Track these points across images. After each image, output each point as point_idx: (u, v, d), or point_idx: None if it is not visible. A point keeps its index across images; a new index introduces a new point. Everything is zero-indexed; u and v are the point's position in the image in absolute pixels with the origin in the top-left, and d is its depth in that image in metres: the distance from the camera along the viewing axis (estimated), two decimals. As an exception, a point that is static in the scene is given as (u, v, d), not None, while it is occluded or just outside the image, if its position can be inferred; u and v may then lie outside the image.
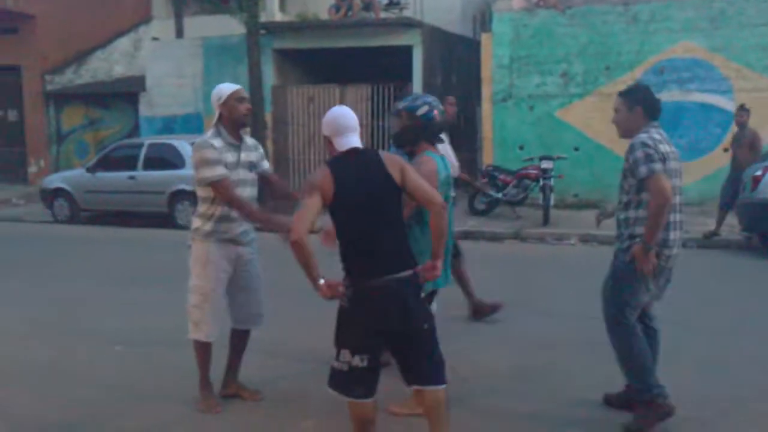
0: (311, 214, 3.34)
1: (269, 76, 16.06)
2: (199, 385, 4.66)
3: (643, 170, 4.03)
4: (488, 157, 14.35)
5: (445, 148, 6.02)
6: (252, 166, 4.54)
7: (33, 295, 7.86)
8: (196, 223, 4.53)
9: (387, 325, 3.39)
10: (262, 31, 15.63)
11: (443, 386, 3.52)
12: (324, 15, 16.68)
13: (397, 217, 3.50)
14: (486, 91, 14.41)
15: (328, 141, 3.57)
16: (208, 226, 4.45)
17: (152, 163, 13.38)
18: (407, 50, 15.28)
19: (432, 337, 3.52)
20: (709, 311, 6.72)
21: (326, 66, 17.07)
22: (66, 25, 19.01)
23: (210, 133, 4.43)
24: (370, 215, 3.41)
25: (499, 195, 12.58)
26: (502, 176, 12.69)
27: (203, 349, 4.58)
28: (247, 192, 4.48)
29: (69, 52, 19.32)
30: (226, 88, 4.45)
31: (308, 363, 5.30)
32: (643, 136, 4.15)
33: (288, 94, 16.24)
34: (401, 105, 4.46)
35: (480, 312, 6.46)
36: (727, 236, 10.44)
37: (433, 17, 16.79)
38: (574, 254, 10.07)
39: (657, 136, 4.15)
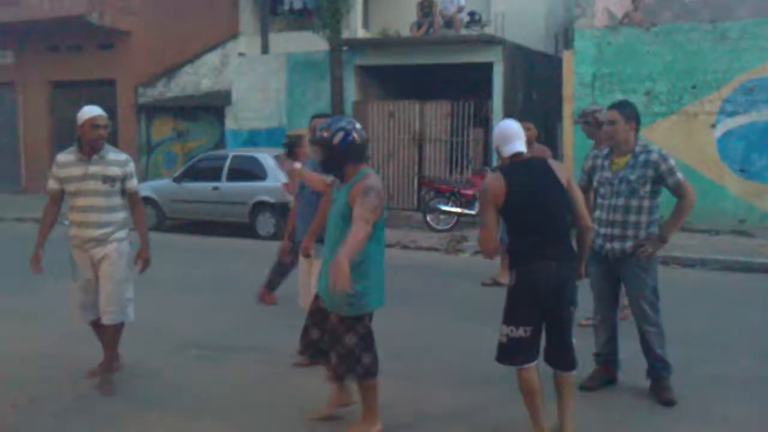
0: (494, 231, 4.04)
1: (351, 91, 16.31)
2: None
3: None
4: (569, 175, 14.14)
5: None
6: (108, 179, 5.04)
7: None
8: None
9: (543, 300, 3.99)
10: (345, 48, 15.90)
11: (574, 371, 4.19)
12: (406, 32, 16.85)
13: (562, 214, 4.11)
14: (567, 109, 14.24)
15: (497, 151, 4.19)
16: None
17: (236, 175, 13.75)
18: (488, 67, 15.30)
19: (570, 323, 4.12)
20: None
21: (407, 82, 17.23)
22: (158, 40, 19.72)
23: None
24: (538, 211, 4.01)
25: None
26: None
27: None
28: (99, 201, 5.03)
29: (160, 67, 20.02)
30: (86, 112, 5.00)
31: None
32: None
33: (369, 110, 16.42)
34: (316, 137, 4.31)
35: None
36: None
37: (515, 34, 16.75)
38: (680, 279, 9.49)
39: None
